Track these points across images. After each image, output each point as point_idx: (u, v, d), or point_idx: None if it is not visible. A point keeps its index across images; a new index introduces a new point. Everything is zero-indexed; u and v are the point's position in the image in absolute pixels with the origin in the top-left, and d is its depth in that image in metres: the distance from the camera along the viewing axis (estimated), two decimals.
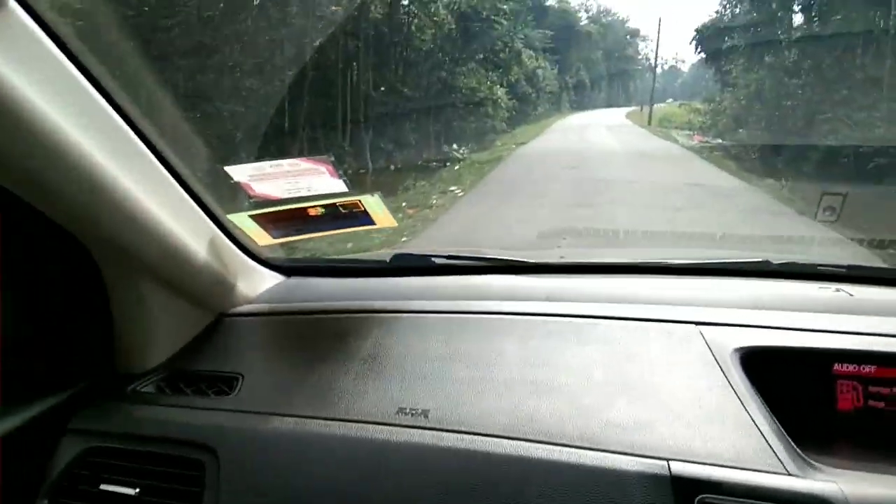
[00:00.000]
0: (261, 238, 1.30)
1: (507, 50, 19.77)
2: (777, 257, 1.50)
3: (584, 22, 40.99)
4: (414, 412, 1.04)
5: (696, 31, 19.14)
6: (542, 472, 0.92)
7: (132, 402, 1.16)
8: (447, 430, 0.99)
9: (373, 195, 1.23)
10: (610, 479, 0.89)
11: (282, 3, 8.87)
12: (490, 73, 18.46)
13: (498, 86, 18.71)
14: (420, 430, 1.00)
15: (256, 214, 1.22)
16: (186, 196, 1.14)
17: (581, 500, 0.88)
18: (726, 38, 16.64)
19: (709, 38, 18.25)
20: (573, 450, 0.93)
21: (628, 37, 49.22)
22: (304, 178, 1.16)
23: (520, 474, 0.92)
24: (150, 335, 1.22)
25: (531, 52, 25.29)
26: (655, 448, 0.92)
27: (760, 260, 1.49)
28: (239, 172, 1.13)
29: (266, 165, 1.13)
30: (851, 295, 1.32)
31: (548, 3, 33.50)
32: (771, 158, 11.98)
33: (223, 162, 1.13)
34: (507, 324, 1.26)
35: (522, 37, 21.49)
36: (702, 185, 9.57)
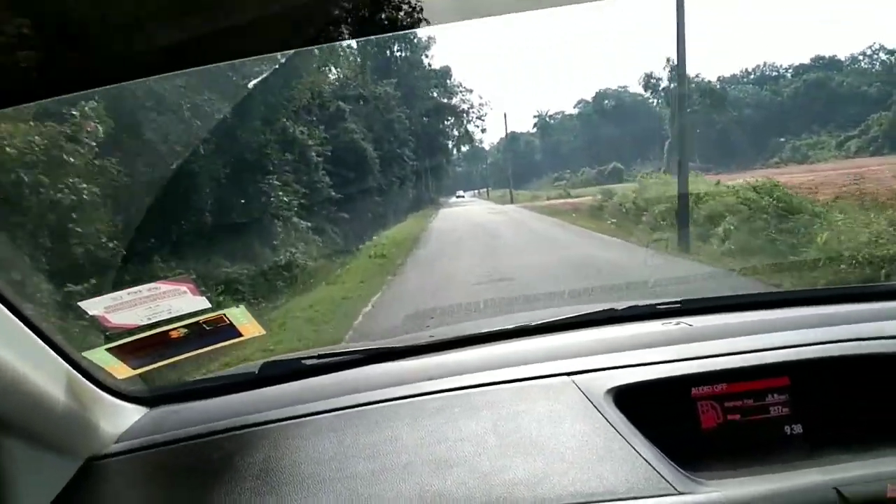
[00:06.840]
0: (119, 371, 1.25)
1: None
2: (619, 304, 1.70)
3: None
4: None
5: None
6: None
7: None
8: None
9: (238, 306, 1.25)
10: None
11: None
12: None
13: None
14: None
15: (114, 347, 1.19)
16: (37, 339, 1.09)
17: None
18: None
19: None
20: None
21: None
22: (165, 301, 1.16)
23: None
24: (16, 495, 1.11)
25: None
26: (558, 497, 1.01)
27: (607, 308, 1.68)
28: (94, 306, 1.11)
29: (123, 294, 1.12)
30: (691, 325, 1.53)
31: None
32: None
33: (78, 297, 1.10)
34: (394, 410, 1.31)
35: None
36: None
